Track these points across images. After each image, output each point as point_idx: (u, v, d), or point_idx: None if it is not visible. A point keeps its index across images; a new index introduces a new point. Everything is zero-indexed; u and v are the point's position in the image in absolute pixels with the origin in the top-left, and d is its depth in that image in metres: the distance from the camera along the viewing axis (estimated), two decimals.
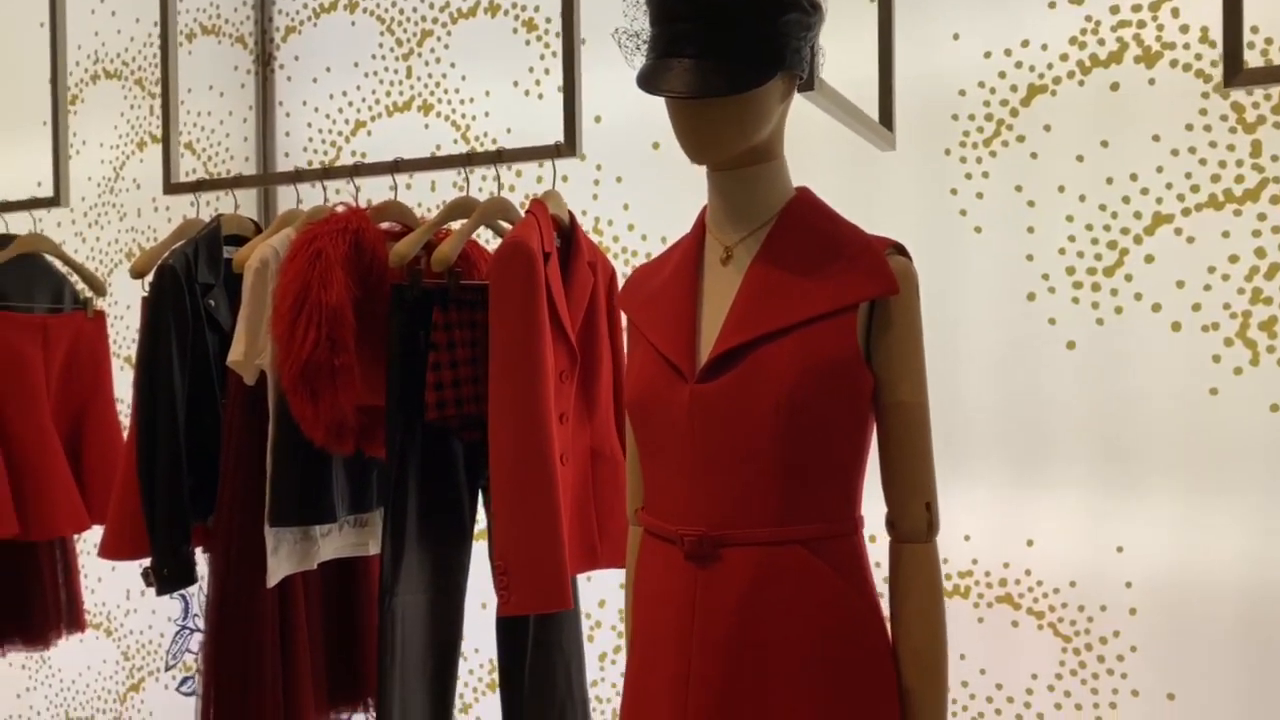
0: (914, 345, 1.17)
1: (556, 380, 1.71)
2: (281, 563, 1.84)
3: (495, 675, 2.38)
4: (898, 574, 1.20)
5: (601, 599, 2.26)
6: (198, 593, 2.70)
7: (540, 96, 2.32)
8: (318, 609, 2.02)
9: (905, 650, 1.17)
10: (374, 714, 2.18)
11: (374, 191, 2.00)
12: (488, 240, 2.20)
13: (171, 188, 2.18)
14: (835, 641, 1.14)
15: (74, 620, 2.55)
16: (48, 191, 2.51)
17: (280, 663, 1.91)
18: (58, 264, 2.48)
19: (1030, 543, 1.92)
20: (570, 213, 1.85)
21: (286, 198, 2.54)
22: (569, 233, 1.84)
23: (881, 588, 1.20)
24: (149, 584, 1.95)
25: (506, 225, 1.96)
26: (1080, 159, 1.89)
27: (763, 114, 1.16)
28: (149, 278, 1.97)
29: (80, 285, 2.51)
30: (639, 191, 2.24)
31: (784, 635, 1.13)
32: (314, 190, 2.34)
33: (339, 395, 1.76)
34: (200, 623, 2.73)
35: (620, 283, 1.95)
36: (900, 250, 1.20)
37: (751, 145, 1.18)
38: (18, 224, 2.47)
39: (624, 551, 1.85)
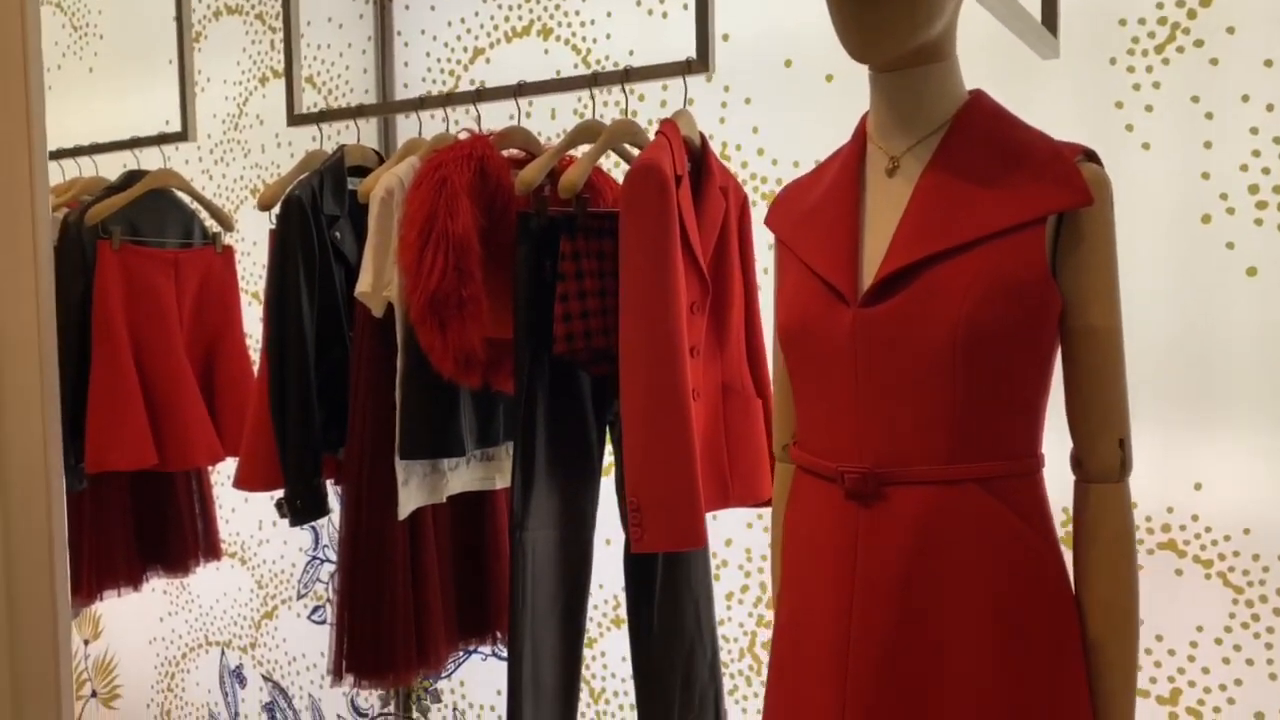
0: (1107, 263, 1.05)
1: (687, 312, 1.63)
2: (412, 495, 1.84)
3: (620, 611, 2.35)
4: (1084, 517, 1.09)
5: (728, 538, 2.21)
6: (327, 524, 2.75)
7: (665, 15, 2.22)
8: (446, 542, 2.02)
9: (1091, 600, 1.07)
10: (502, 647, 2.19)
11: (493, 122, 1.93)
12: (610, 169, 2.12)
13: (295, 119, 2.16)
14: (1014, 587, 1.05)
15: (210, 549, 2.62)
16: (175, 129, 2.53)
17: (412, 594, 1.91)
18: (186, 199, 2.51)
19: (1198, 486, 1.78)
20: (701, 134, 1.76)
21: (406, 130, 2.50)
22: (700, 155, 1.75)
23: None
24: (282, 515, 1.97)
25: (634, 150, 1.88)
26: (1269, 64, 1.70)
27: (937, 4, 1.04)
28: (275, 210, 1.96)
29: (208, 221, 2.53)
30: (769, 113, 2.12)
31: (957, 580, 1.04)
32: (434, 121, 2.29)
33: (467, 326, 1.73)
34: (330, 553, 2.79)
35: (753, 209, 1.85)
36: (1091, 157, 1.08)
37: (922, 41, 1.06)
38: (148, 161, 2.50)
39: (755, 490, 1.79)
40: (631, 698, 2.37)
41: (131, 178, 2.41)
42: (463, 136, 1.85)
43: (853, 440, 1.08)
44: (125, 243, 2.30)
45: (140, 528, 2.50)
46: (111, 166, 2.56)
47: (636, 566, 1.82)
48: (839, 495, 1.09)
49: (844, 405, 1.09)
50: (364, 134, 2.25)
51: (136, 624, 3.26)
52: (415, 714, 2.69)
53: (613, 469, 1.89)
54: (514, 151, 1.93)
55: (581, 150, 1.80)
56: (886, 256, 1.06)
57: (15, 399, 1.63)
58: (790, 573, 1.19)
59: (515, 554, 1.72)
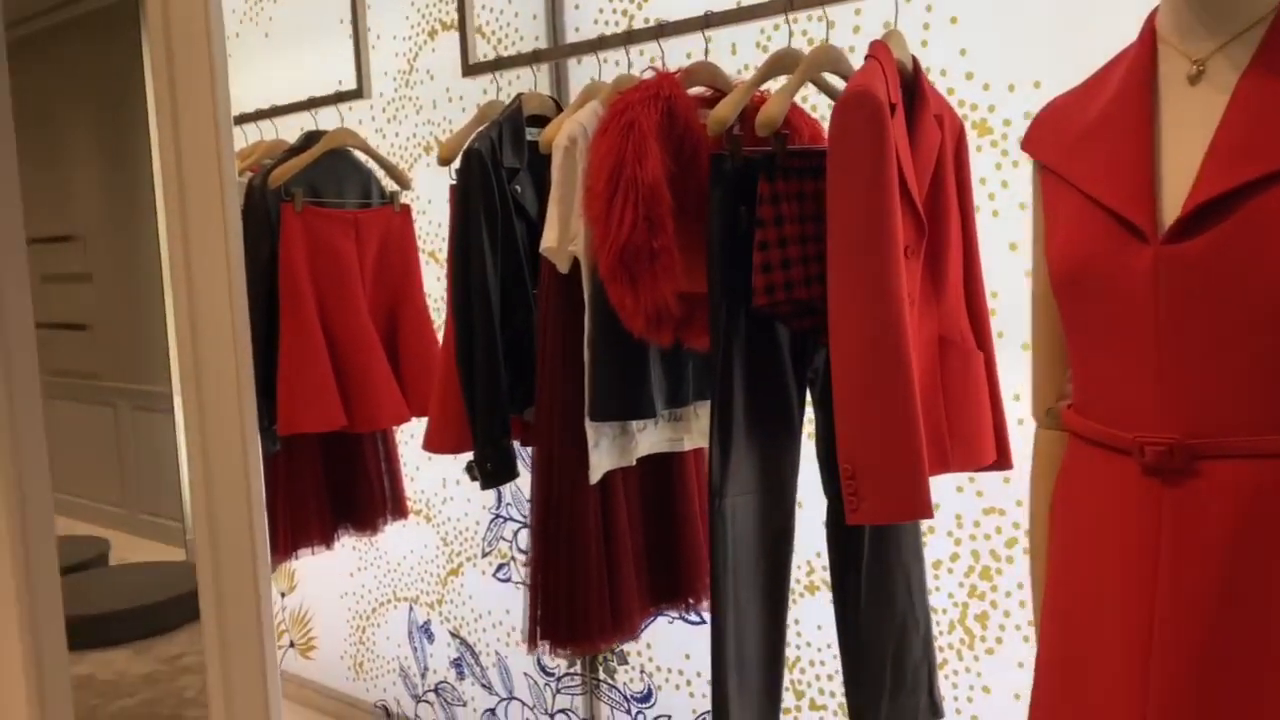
0: None
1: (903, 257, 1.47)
2: (602, 458, 1.76)
3: (813, 578, 2.23)
4: None
5: (935, 502, 2.03)
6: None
7: None
8: (636, 505, 1.94)
9: None
10: (693, 613, 2.10)
11: (670, 61, 1.80)
12: (801, 103, 1.96)
13: (470, 69, 2.09)
14: None
15: (397, 507, 2.65)
16: (350, 87, 2.51)
17: (605, 560, 1.84)
18: (363, 158, 2.49)
19: None
20: (914, 58, 1.57)
21: (578, 77, 2.40)
22: (912, 82, 1.57)
23: None
24: (473, 478, 1.93)
25: (835, 80, 1.71)
26: None
27: None
28: (455, 164, 1.89)
29: (385, 180, 2.51)
30: (978, 34, 1.90)
31: None
32: (608, 65, 2.18)
33: (659, 281, 1.62)
34: (513, 511, 2.77)
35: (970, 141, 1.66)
36: None
37: None
38: (325, 121, 2.49)
39: (977, 454, 1.62)
40: (829, 668, 2.25)
41: (310, 139, 2.40)
42: (647, 76, 1.73)
43: (1154, 405, 0.91)
44: (307, 204, 2.29)
45: (331, 488, 2.54)
46: (291, 129, 2.56)
47: (840, 533, 1.69)
48: (1134, 471, 0.92)
49: (1141, 363, 0.91)
50: (537, 84, 2.16)
51: (329, 579, 3.36)
52: (602, 674, 2.66)
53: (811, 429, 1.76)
54: (700, 90, 1.79)
55: (776, 85, 1.65)
56: (1198, 181, 0.87)
57: (212, 365, 1.64)
58: (1064, 561, 1.02)
59: (715, 523, 1.61)
